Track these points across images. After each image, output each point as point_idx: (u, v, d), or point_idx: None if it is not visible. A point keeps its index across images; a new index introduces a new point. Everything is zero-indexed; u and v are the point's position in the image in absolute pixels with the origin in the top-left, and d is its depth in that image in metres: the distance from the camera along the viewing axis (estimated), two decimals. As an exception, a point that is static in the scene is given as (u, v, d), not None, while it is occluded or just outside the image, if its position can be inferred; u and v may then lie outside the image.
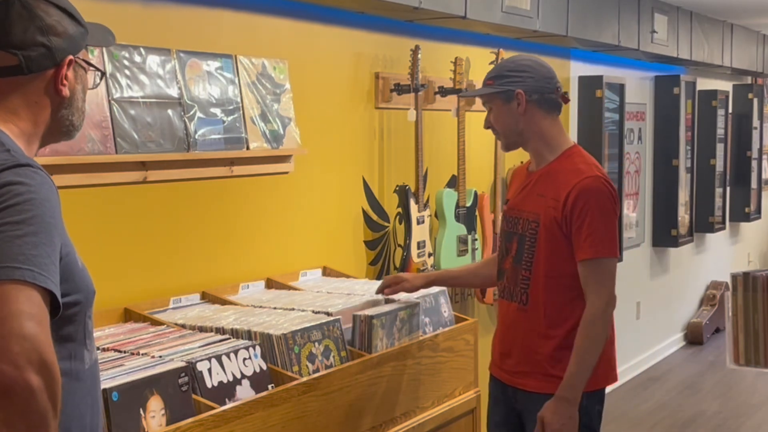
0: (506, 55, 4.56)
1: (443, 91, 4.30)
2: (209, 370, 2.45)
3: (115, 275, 2.91)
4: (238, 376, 2.52)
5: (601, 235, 2.75)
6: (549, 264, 2.82)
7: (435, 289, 3.36)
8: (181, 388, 2.33)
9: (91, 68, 1.80)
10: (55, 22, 1.69)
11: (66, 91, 1.72)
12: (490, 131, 2.98)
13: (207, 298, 3.15)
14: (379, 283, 3.27)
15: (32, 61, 1.67)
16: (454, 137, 4.40)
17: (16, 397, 1.37)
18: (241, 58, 3.16)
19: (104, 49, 2.65)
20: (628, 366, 6.97)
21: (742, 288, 2.68)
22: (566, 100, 2.97)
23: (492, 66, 4.41)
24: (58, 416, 1.44)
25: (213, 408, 2.37)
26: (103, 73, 1.78)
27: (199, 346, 2.57)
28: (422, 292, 3.27)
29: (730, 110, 8.61)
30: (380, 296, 3.18)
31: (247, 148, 3.10)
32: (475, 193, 4.49)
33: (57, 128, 1.75)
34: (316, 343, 2.78)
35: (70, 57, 1.72)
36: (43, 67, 1.69)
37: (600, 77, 6.10)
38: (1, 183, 1.51)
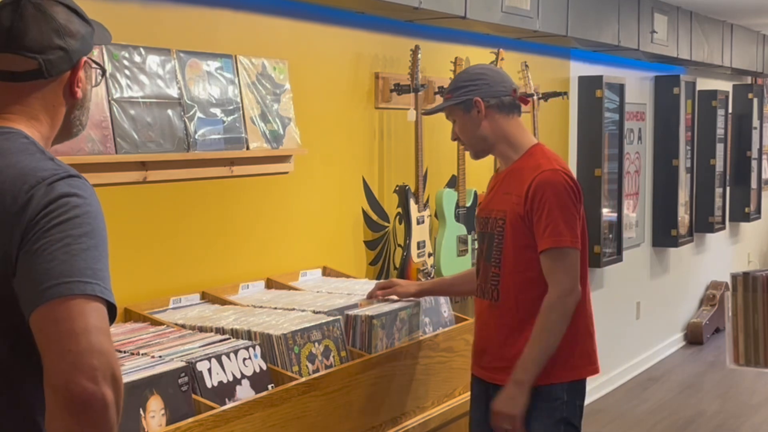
0: (506, 55, 4.57)
1: (443, 91, 4.29)
2: (209, 370, 2.46)
3: (115, 275, 2.88)
4: (238, 376, 2.52)
5: (560, 226, 2.82)
6: (517, 259, 2.88)
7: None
8: (181, 388, 2.33)
9: (96, 66, 1.78)
10: (67, 23, 1.66)
11: (80, 93, 1.71)
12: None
13: (207, 298, 3.15)
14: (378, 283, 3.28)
15: (52, 65, 1.65)
16: (454, 137, 4.39)
17: (93, 411, 1.40)
18: (241, 58, 3.16)
19: (104, 49, 2.65)
20: (628, 366, 6.98)
21: (742, 288, 2.69)
22: (525, 102, 3.07)
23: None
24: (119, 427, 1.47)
25: (213, 408, 2.37)
26: (104, 70, 1.76)
27: (199, 346, 2.57)
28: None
29: (730, 110, 8.61)
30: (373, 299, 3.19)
31: (247, 148, 3.10)
32: (475, 193, 4.49)
33: (68, 129, 1.74)
34: (316, 343, 2.78)
35: (85, 58, 1.71)
36: (62, 71, 1.67)
37: (600, 77, 6.10)
38: (58, 194, 1.50)
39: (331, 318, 2.89)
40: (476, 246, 4.45)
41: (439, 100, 4.35)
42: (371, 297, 3.17)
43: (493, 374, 2.96)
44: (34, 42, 1.63)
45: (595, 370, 2.98)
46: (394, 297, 3.20)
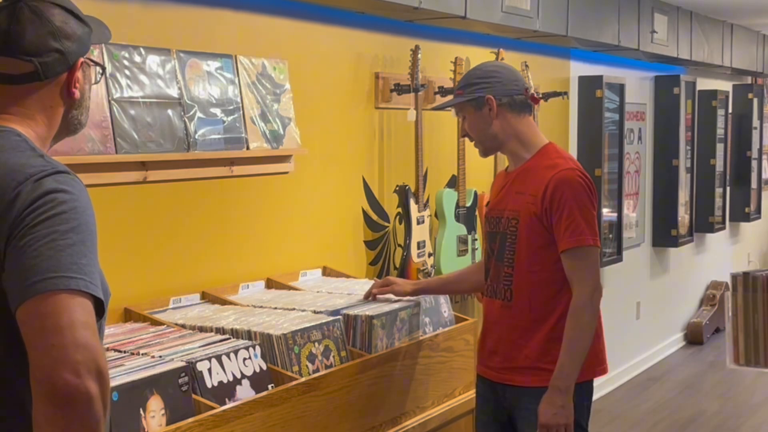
0: (506, 55, 4.56)
1: (443, 91, 4.30)
2: (209, 370, 2.45)
3: (115, 275, 2.89)
4: (238, 376, 2.52)
5: (581, 225, 2.81)
6: (531, 259, 2.87)
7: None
8: (181, 388, 2.33)
9: (95, 65, 1.80)
10: (63, 25, 1.68)
11: (77, 93, 1.73)
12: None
13: (207, 298, 3.15)
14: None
15: (48, 68, 1.66)
16: (454, 137, 4.40)
17: (76, 404, 1.41)
18: (241, 58, 3.16)
19: (104, 49, 2.65)
20: (628, 366, 6.97)
21: (742, 288, 2.69)
22: (536, 101, 3.05)
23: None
24: (107, 421, 1.47)
25: (213, 408, 2.37)
26: (104, 68, 1.78)
27: (199, 346, 2.57)
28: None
29: (730, 110, 8.61)
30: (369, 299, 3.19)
31: (247, 148, 3.10)
32: (475, 193, 4.49)
33: (66, 128, 1.76)
34: (316, 343, 2.78)
35: (82, 59, 1.73)
36: (58, 73, 1.69)
37: (600, 77, 6.10)
38: (44, 191, 1.51)
39: (331, 318, 2.89)
40: (477, 246, 4.46)
41: (439, 99, 4.36)
42: (368, 297, 3.16)
43: (504, 375, 2.95)
44: (30, 45, 1.65)
45: (603, 371, 2.98)
46: (392, 296, 3.20)
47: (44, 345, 1.42)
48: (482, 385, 3.05)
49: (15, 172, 1.53)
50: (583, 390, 2.91)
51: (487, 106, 2.92)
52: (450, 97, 4.26)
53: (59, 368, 1.40)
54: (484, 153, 3.06)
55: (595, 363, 2.93)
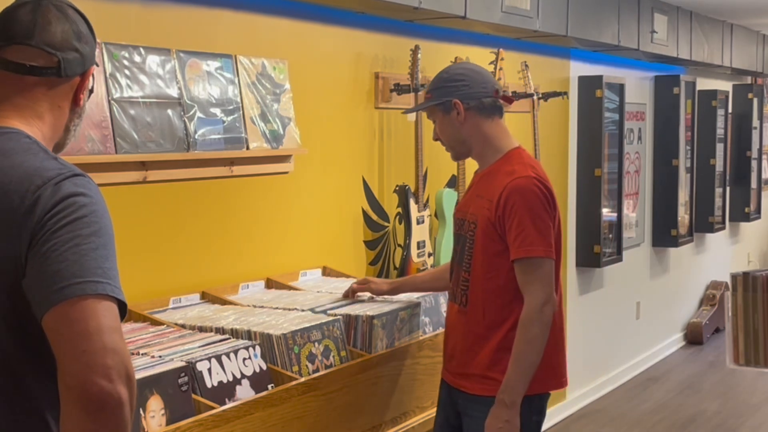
0: (506, 55, 4.56)
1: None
2: (209, 370, 2.46)
3: (115, 275, 2.91)
4: (238, 376, 2.53)
5: (531, 235, 2.74)
6: (486, 265, 2.81)
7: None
8: (181, 388, 2.34)
9: (91, 81, 1.78)
10: (83, 29, 1.68)
11: (83, 101, 1.72)
12: None
13: (207, 298, 3.15)
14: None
15: (69, 65, 1.65)
16: (454, 137, 4.39)
17: (108, 409, 1.42)
18: (240, 58, 3.16)
19: (104, 49, 2.65)
20: (628, 366, 6.98)
21: (742, 288, 2.68)
22: (509, 101, 2.98)
23: (491, 66, 4.44)
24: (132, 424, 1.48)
25: (213, 408, 2.37)
26: (91, 91, 1.76)
27: (199, 346, 2.57)
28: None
29: (729, 110, 8.62)
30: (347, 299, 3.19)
31: (247, 148, 3.10)
32: (475, 193, 4.49)
33: (64, 137, 1.73)
34: (316, 343, 2.78)
35: (93, 66, 1.72)
36: (75, 73, 1.68)
37: (600, 77, 6.10)
38: (64, 194, 1.50)
39: (331, 318, 2.90)
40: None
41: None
42: (347, 296, 3.16)
43: (458, 380, 2.91)
44: (56, 38, 1.64)
45: (558, 384, 2.90)
46: (368, 294, 3.19)
47: (74, 351, 1.42)
48: (442, 388, 3.01)
49: (32, 176, 1.52)
50: (534, 403, 2.82)
51: (455, 110, 2.87)
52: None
53: (91, 374, 1.40)
54: (455, 157, 3.03)
55: (550, 376, 2.84)
